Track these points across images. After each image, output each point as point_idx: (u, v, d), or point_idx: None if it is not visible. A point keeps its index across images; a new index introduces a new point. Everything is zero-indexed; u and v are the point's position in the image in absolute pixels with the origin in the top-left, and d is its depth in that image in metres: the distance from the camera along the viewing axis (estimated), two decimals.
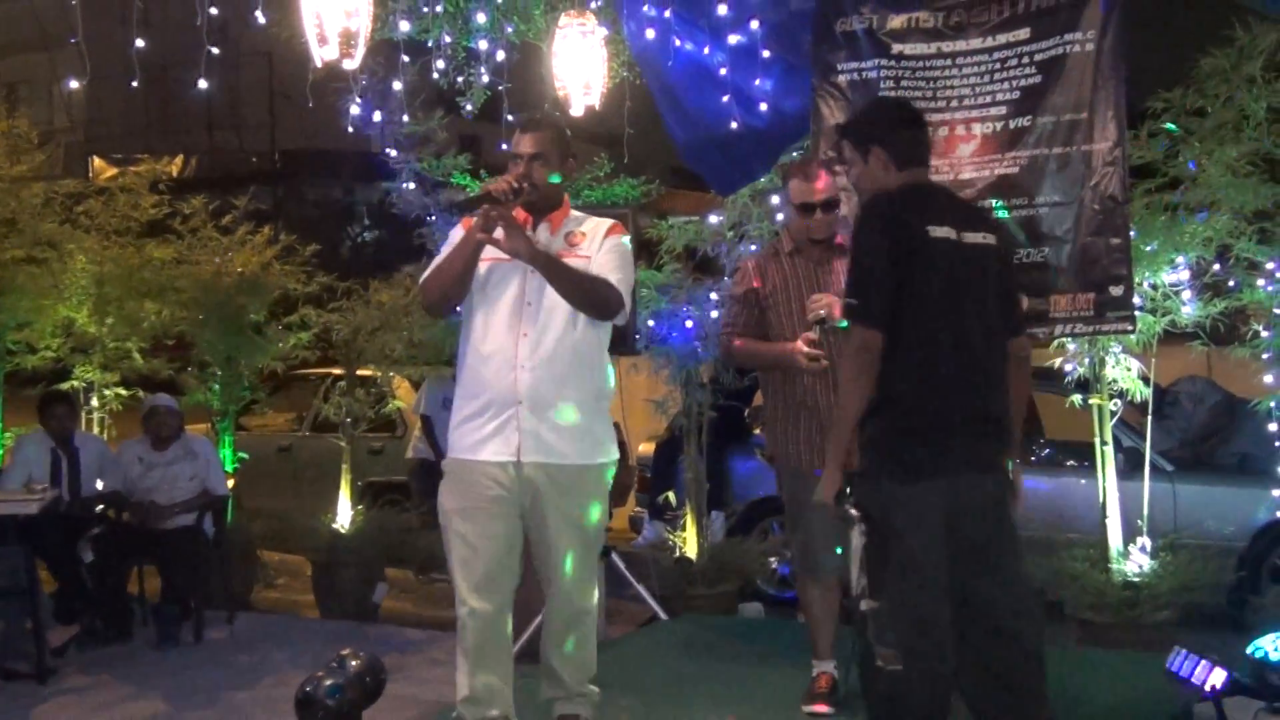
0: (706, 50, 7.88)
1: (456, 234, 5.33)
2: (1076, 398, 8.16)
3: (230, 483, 9.98)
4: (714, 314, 8.84)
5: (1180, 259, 7.79)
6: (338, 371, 11.60)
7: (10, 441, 9.87)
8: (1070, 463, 9.56)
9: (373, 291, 10.36)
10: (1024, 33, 6.80)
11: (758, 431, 10.40)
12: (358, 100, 8.33)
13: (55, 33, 11.97)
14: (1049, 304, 6.66)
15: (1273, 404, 7.79)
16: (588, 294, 5.15)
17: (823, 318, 5.68)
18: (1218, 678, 5.36)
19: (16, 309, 10.19)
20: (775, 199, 8.49)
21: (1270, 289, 7.63)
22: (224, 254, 10.38)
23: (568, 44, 7.59)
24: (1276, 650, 5.47)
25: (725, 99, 7.72)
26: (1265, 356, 7.67)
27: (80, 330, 10.55)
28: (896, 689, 4.54)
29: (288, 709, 5.23)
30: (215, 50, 6.32)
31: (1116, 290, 6.57)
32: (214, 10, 6.30)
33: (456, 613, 5.24)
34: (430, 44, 8.19)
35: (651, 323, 8.83)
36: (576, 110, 7.65)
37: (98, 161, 27.14)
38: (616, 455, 5.43)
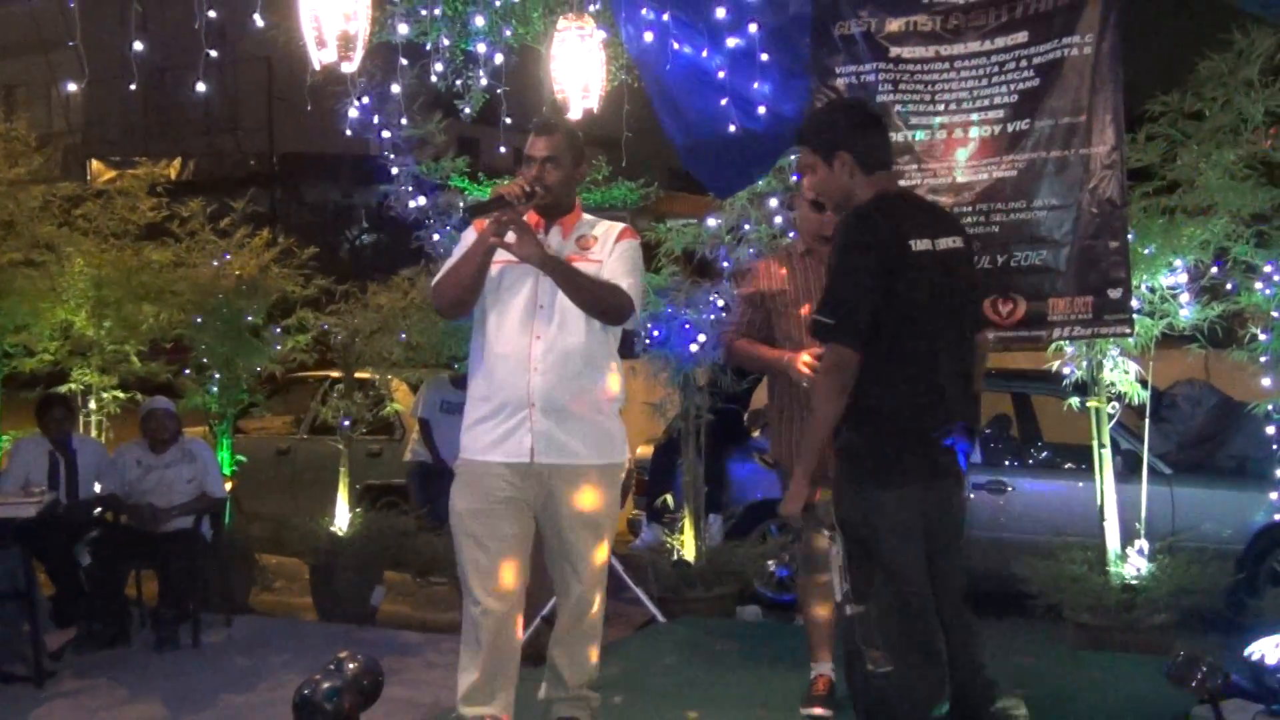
0: (705, 53, 7.88)
1: (469, 237, 5.34)
2: (1074, 400, 8.16)
3: (228, 486, 9.98)
4: (712, 318, 8.85)
5: (1178, 262, 7.80)
6: (336, 374, 11.60)
7: (8, 444, 9.87)
8: (1068, 466, 9.56)
9: (371, 294, 10.36)
10: (1022, 36, 6.81)
11: (757, 435, 10.41)
12: (356, 103, 8.33)
13: (53, 35, 11.98)
14: (1047, 307, 6.67)
15: (1270, 407, 7.80)
16: (599, 299, 5.17)
17: None
18: (1215, 680, 5.36)
19: (14, 312, 10.18)
20: (774, 202, 8.50)
21: (1268, 292, 7.64)
22: (222, 257, 10.37)
23: (566, 47, 7.60)
24: (1274, 653, 5.47)
25: (723, 102, 7.72)
26: (1263, 359, 7.68)
27: (78, 333, 10.54)
28: (888, 690, 4.56)
29: (285, 712, 5.22)
30: (213, 53, 6.33)
31: (1115, 293, 6.58)
32: (212, 14, 6.30)
33: (466, 611, 5.26)
34: (428, 47, 8.20)
35: (650, 325, 8.83)
36: (574, 113, 7.65)
37: (96, 164, 27.14)
38: (628, 455, 5.46)
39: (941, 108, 7.01)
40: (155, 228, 10.87)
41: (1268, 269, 7.65)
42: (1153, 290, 7.84)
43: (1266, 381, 7.69)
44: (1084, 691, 6.57)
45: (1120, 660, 7.22)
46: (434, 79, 8.37)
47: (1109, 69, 6.58)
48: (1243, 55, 7.58)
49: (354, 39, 6.37)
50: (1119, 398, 8.00)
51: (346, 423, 10.30)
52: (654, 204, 9.77)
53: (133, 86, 6.45)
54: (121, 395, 10.83)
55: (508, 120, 8.23)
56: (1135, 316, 7.09)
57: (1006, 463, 10.00)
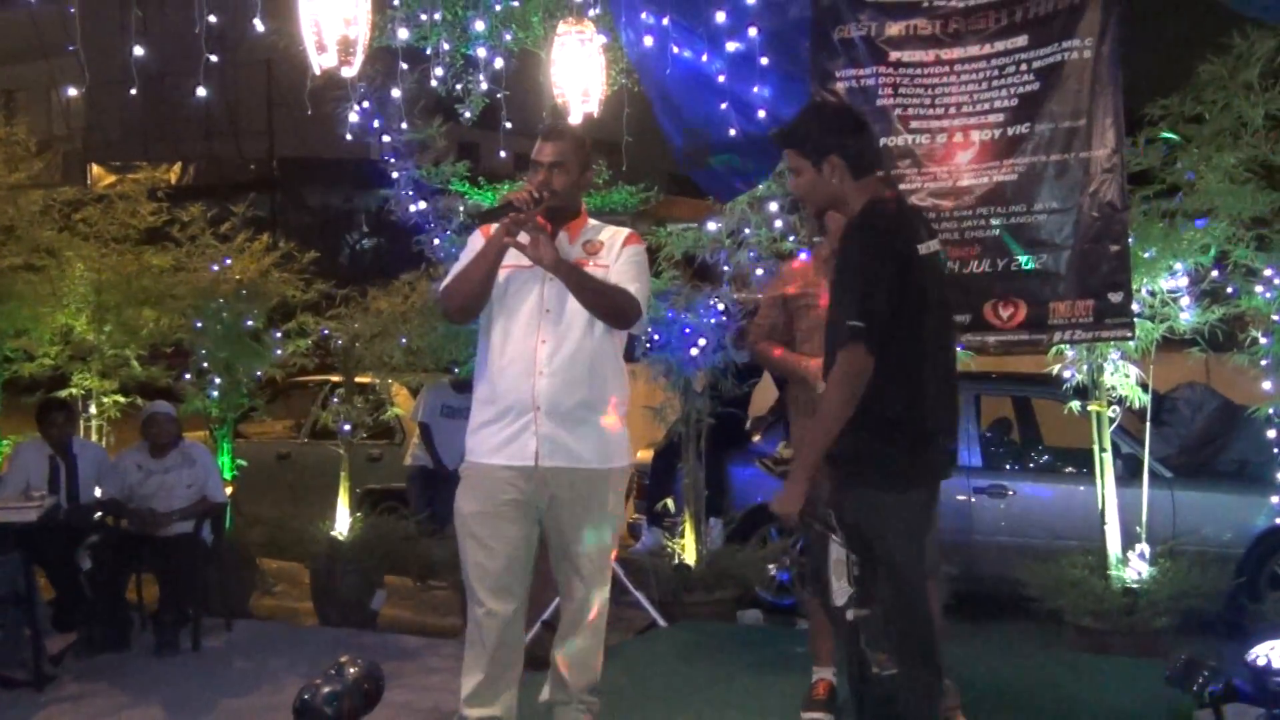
0: (705, 58, 7.89)
1: (476, 241, 5.36)
2: (1075, 404, 8.16)
3: (228, 490, 9.97)
4: (712, 321, 8.86)
5: (1178, 265, 7.81)
6: (336, 379, 11.60)
7: (8, 448, 9.87)
8: (1069, 469, 9.56)
9: (371, 299, 10.35)
10: (1022, 40, 6.81)
11: (757, 439, 10.42)
12: (356, 108, 8.33)
13: (54, 41, 11.98)
14: (1048, 311, 6.67)
15: (1271, 411, 7.80)
16: (608, 303, 5.19)
17: None
18: (1216, 684, 5.35)
19: (15, 316, 10.19)
20: (774, 206, 8.50)
21: (1268, 295, 7.65)
22: (222, 261, 10.36)
23: (566, 51, 7.60)
24: (1276, 657, 5.47)
25: (723, 106, 7.74)
26: (1264, 363, 7.68)
27: (78, 338, 10.54)
28: (893, 693, 4.54)
29: (286, 716, 5.21)
30: (214, 58, 6.33)
31: (1115, 297, 6.58)
32: (212, 18, 6.31)
33: (470, 613, 5.29)
34: (429, 51, 8.21)
35: (650, 329, 8.82)
36: (575, 118, 7.66)
37: (96, 169, 27.17)
38: (632, 459, 5.46)
39: (942, 111, 7.02)
40: (155, 232, 10.87)
41: (1268, 272, 7.65)
42: (1153, 294, 7.84)
43: (1267, 385, 7.69)
44: (1085, 696, 6.57)
45: (1121, 664, 7.21)
46: (434, 83, 8.37)
47: (1109, 73, 6.58)
48: (1242, 58, 7.59)
49: (354, 43, 6.38)
50: (1120, 401, 8.00)
51: (347, 427, 10.29)
52: (654, 208, 9.77)
53: (133, 91, 6.44)
54: (122, 400, 10.83)
55: (508, 125, 8.23)
56: (1136, 320, 7.10)
57: (1007, 466, 10.00)
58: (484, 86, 8.41)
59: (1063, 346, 7.76)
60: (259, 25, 6.41)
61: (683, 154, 8.15)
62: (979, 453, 9.76)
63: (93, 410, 10.81)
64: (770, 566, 9.43)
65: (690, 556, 9.00)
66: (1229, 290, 7.84)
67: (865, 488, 4.60)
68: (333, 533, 9.93)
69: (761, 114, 7.59)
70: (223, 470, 10.05)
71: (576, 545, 5.30)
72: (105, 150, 28.69)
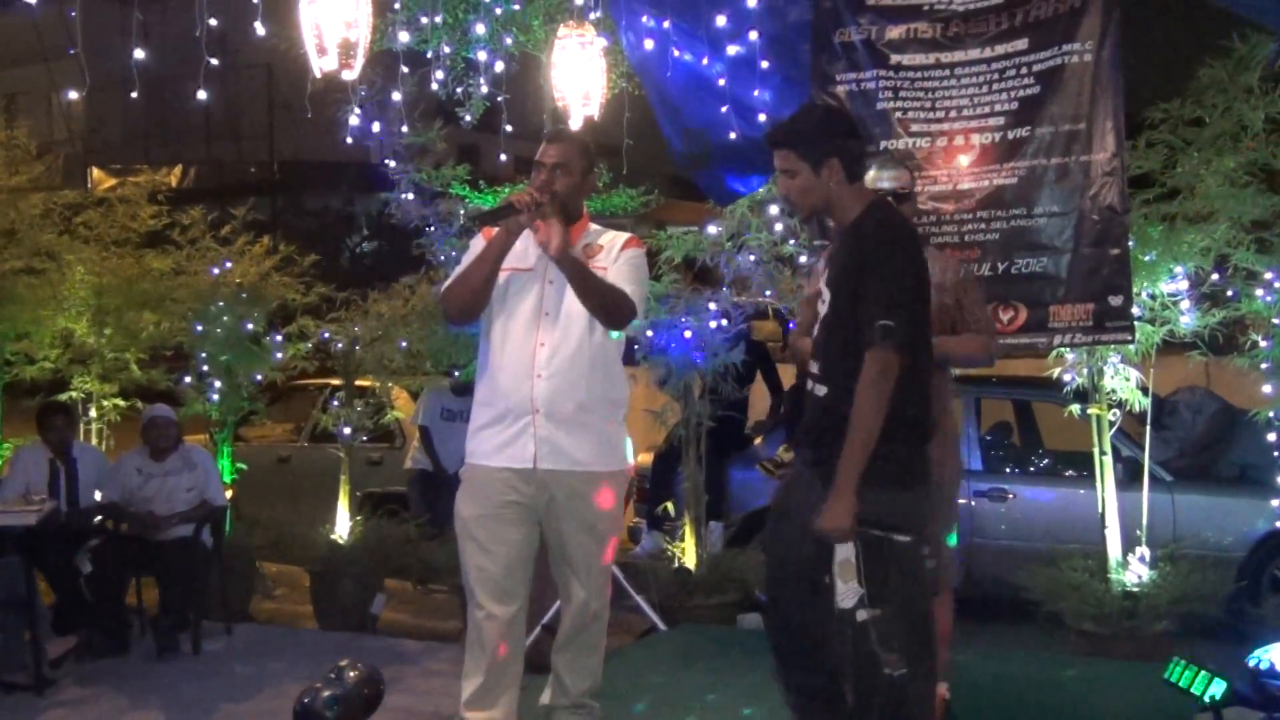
0: (705, 61, 7.91)
1: (477, 244, 5.38)
2: (1075, 408, 8.16)
3: (229, 493, 9.97)
4: (712, 324, 8.86)
5: (1179, 269, 7.81)
6: (336, 382, 11.59)
7: (9, 452, 9.87)
8: (1069, 473, 9.56)
9: (371, 302, 10.35)
10: (1022, 43, 6.82)
11: (758, 442, 10.42)
12: (357, 111, 8.34)
13: (54, 44, 11.97)
14: (1048, 314, 6.68)
15: (1271, 414, 7.80)
16: (605, 302, 5.20)
17: None
18: (1217, 688, 5.36)
19: (15, 319, 10.20)
20: (774, 209, 8.51)
21: (1268, 299, 7.65)
22: (222, 265, 10.37)
23: (566, 55, 7.61)
24: (1275, 660, 5.47)
25: (724, 109, 7.75)
26: (1264, 366, 7.68)
27: (79, 341, 10.54)
28: (903, 694, 4.55)
29: (286, 719, 5.23)
30: (214, 61, 6.33)
31: (1115, 300, 6.59)
32: (213, 22, 6.31)
33: (470, 616, 5.30)
34: (429, 55, 8.22)
35: (650, 333, 8.83)
36: (575, 121, 7.67)
37: (96, 172, 27.17)
38: (631, 462, 5.47)
39: (942, 115, 7.03)
40: (156, 235, 10.87)
41: (1268, 276, 7.66)
42: (1153, 297, 7.85)
43: (1267, 388, 7.70)
44: (1085, 699, 6.57)
45: (1121, 668, 7.21)
46: (434, 86, 8.38)
47: (1109, 76, 6.59)
48: (1242, 62, 7.59)
49: (355, 46, 6.38)
50: (1120, 405, 8.00)
51: (347, 431, 10.30)
52: (654, 211, 9.76)
53: (134, 95, 6.44)
54: (122, 403, 10.83)
55: (508, 128, 8.24)
56: (1136, 323, 7.10)
57: (1008, 470, 9.99)
58: (484, 90, 8.41)
59: (1063, 350, 7.77)
60: (259, 29, 6.41)
61: (683, 157, 8.17)
62: (979, 456, 9.75)
63: (93, 414, 10.81)
64: (765, 555, 9.43)
65: (690, 560, 9.00)
66: (1229, 294, 7.85)
67: (878, 487, 4.59)
68: (333, 536, 9.93)
69: (762, 117, 7.60)
70: (223, 474, 10.04)
71: (575, 548, 5.31)
72: (106, 154, 28.69)
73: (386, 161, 8.95)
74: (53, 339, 10.50)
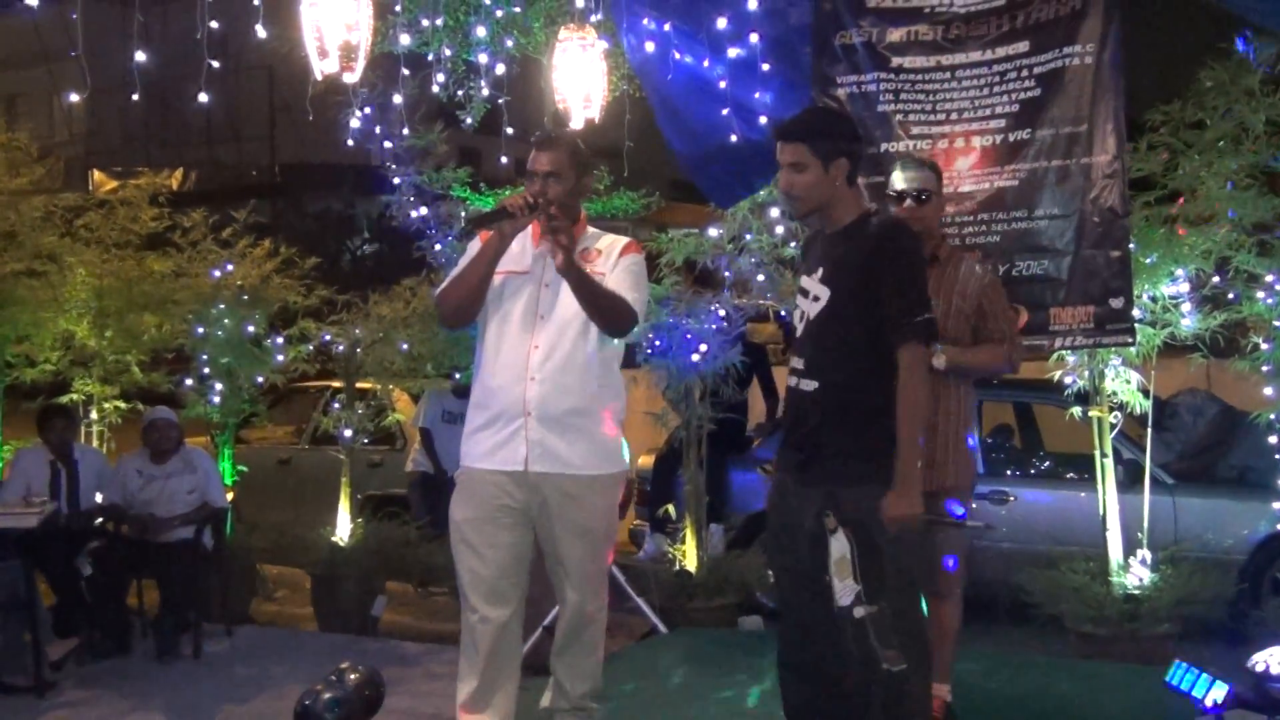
0: (706, 63, 7.90)
1: (473, 248, 5.38)
2: (1076, 410, 8.16)
3: (229, 495, 9.97)
4: (713, 327, 8.86)
5: (1180, 271, 7.80)
6: (337, 384, 11.59)
7: (9, 454, 9.87)
8: (1070, 475, 9.55)
9: (372, 304, 10.34)
10: (1023, 46, 6.81)
11: (758, 445, 10.41)
12: (358, 113, 8.34)
13: (55, 47, 11.98)
14: (1049, 316, 6.67)
15: (1272, 416, 7.80)
16: (605, 309, 5.21)
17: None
18: (1218, 691, 5.35)
19: (16, 322, 10.19)
20: (775, 211, 8.50)
21: (1270, 301, 7.65)
22: (223, 267, 10.37)
23: (567, 57, 7.61)
24: (1277, 663, 5.46)
25: (725, 112, 7.75)
26: (1265, 369, 7.68)
27: (80, 343, 10.54)
28: (902, 688, 4.61)
29: None
30: (215, 64, 6.34)
31: (1116, 303, 6.58)
32: (214, 24, 6.32)
33: (464, 619, 5.31)
34: (430, 57, 8.21)
35: (651, 335, 8.83)
36: (576, 123, 7.67)
37: (97, 175, 27.21)
38: (626, 466, 5.48)
39: (943, 117, 7.02)
40: (157, 238, 10.87)
41: (1269, 278, 7.65)
42: (1154, 299, 7.84)
43: (1268, 391, 7.69)
44: (1085, 701, 6.58)
45: (1122, 670, 7.21)
46: (435, 89, 8.38)
47: (1110, 78, 6.58)
48: (1243, 65, 7.59)
49: (356, 49, 6.39)
50: (1121, 407, 7.99)
51: (348, 433, 10.30)
52: (655, 214, 9.78)
53: (135, 97, 6.44)
54: (123, 405, 10.83)
55: (509, 130, 8.24)
56: (1137, 326, 7.09)
57: (1009, 472, 9.98)
58: (485, 92, 8.42)
59: (1064, 353, 7.77)
60: (261, 31, 6.41)
61: (684, 159, 8.16)
62: (980, 459, 9.74)
63: (94, 416, 10.81)
64: (771, 572, 9.44)
65: (691, 563, 9.00)
66: (1230, 296, 7.85)
67: (872, 484, 4.64)
68: (334, 539, 9.93)
69: (763, 120, 7.60)
70: (224, 476, 10.05)
71: (567, 551, 5.32)
72: (106, 156, 28.74)
73: (388, 164, 8.95)
74: (54, 341, 10.49)
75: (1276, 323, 7.63)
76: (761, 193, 8.34)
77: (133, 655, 8.64)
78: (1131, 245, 6.82)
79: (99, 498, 9.22)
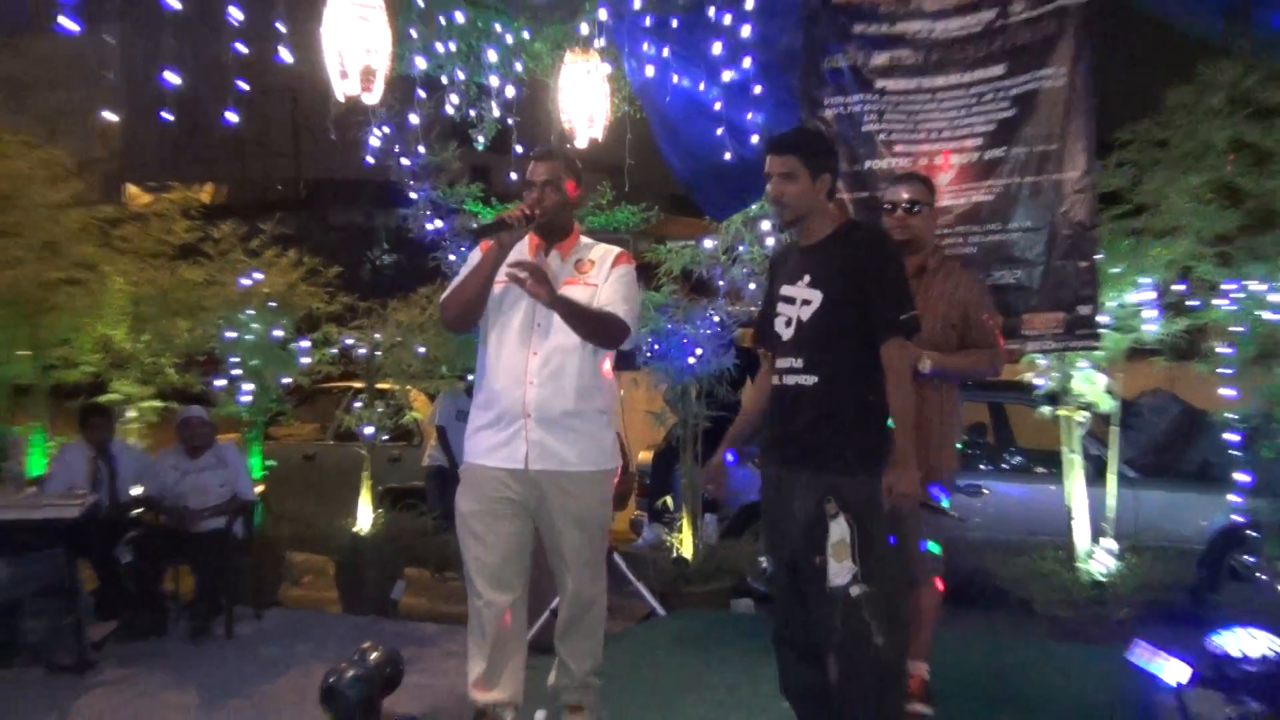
0: (702, 86, 7.92)
1: (474, 257, 5.39)
2: (1046, 410, 8.17)
3: (258, 488, 9.98)
4: (708, 332, 8.86)
5: (1145, 280, 7.81)
6: (359, 385, 11.60)
7: (53, 450, 9.87)
8: (1040, 470, 9.56)
9: (391, 311, 10.36)
10: (999, 69, 6.80)
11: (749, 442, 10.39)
12: (377, 133, 8.34)
13: (93, 68, 11.97)
14: (1021, 322, 6.67)
15: (1230, 416, 7.81)
16: (596, 330, 5.24)
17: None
18: (1178, 670, 5.36)
19: (58, 327, 10.19)
20: (766, 224, 8.51)
21: (1229, 308, 7.65)
22: (252, 275, 10.36)
23: (573, 80, 7.64)
24: (1234, 645, 5.48)
25: (720, 131, 7.76)
26: (1224, 372, 7.69)
27: (117, 346, 10.53)
28: (890, 659, 4.69)
29: (313, 699, 5.24)
30: (243, 85, 6.35)
31: (1084, 310, 6.57)
32: (242, 48, 6.32)
33: (470, 605, 5.32)
34: (444, 80, 8.21)
35: (650, 340, 8.84)
36: (581, 142, 7.69)
37: (133, 189, 27.11)
38: (619, 462, 5.48)
39: (923, 136, 7.01)
40: (189, 248, 10.85)
41: (1229, 287, 7.66)
42: (1121, 306, 7.85)
43: (1227, 392, 7.70)
44: (1054, 681, 6.58)
45: (1088, 652, 7.22)
46: (449, 110, 8.39)
47: (1081, 99, 6.57)
48: (1207, 86, 7.60)
49: (375, 72, 6.41)
50: (1088, 407, 8.01)
51: (368, 430, 10.31)
52: (655, 226, 9.76)
53: (168, 117, 6.44)
54: (158, 404, 10.83)
55: (518, 149, 8.24)
56: (1104, 331, 7.10)
57: (983, 468, 9.98)
58: (496, 113, 8.43)
59: (1035, 356, 7.78)
60: (286, 55, 6.42)
61: (681, 175, 8.18)
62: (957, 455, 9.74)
63: (131, 414, 10.80)
64: (761, 559, 9.43)
65: (687, 550, 9.01)
66: (1192, 303, 7.85)
67: (866, 473, 4.73)
68: (355, 528, 9.95)
69: (755, 139, 7.61)
70: (253, 470, 10.05)
71: (565, 542, 5.35)
72: (141, 171, 28.66)
73: (405, 180, 8.95)
74: (93, 345, 10.49)
75: (1235, 328, 7.64)
76: (753, 207, 8.35)
77: (168, 636, 8.65)
78: (1099, 256, 6.82)
79: (137, 490, 9.23)
